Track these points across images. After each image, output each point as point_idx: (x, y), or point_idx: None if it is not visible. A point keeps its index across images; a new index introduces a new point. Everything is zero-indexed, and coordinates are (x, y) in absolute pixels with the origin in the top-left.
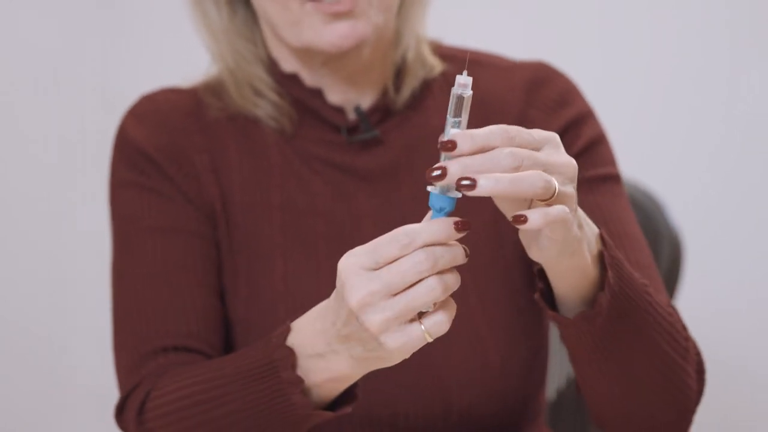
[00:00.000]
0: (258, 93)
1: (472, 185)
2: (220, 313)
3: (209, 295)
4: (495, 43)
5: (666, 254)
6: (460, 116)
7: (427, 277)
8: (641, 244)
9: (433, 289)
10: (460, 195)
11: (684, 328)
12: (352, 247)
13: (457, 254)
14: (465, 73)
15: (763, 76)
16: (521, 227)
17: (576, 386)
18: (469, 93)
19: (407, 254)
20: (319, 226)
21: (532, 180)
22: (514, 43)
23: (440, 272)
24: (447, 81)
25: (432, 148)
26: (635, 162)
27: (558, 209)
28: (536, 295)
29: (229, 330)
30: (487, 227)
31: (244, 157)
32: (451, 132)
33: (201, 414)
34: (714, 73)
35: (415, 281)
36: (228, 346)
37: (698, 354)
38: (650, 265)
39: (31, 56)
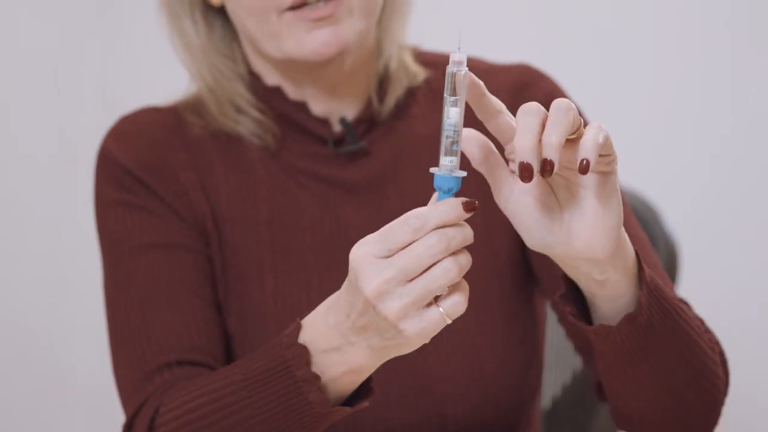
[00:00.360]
0: (239, 110)
1: (551, 164)
2: (220, 326)
3: (208, 308)
4: (491, 48)
5: (662, 262)
6: (457, 95)
7: (441, 260)
8: (646, 245)
9: (448, 271)
10: (465, 174)
11: (706, 326)
12: (340, 259)
13: (468, 234)
14: (459, 50)
15: (760, 82)
16: (590, 169)
17: (596, 390)
18: (464, 70)
19: (419, 238)
20: (306, 239)
21: (569, 114)
22: (509, 48)
23: (453, 253)
24: (430, 88)
25: (418, 157)
26: (629, 169)
27: (590, 128)
28: (570, 318)
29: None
30: (478, 233)
31: (230, 173)
32: (452, 109)
33: (214, 424)
34: (709, 80)
35: (430, 264)
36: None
37: (719, 344)
38: (657, 265)
39: (31, 57)
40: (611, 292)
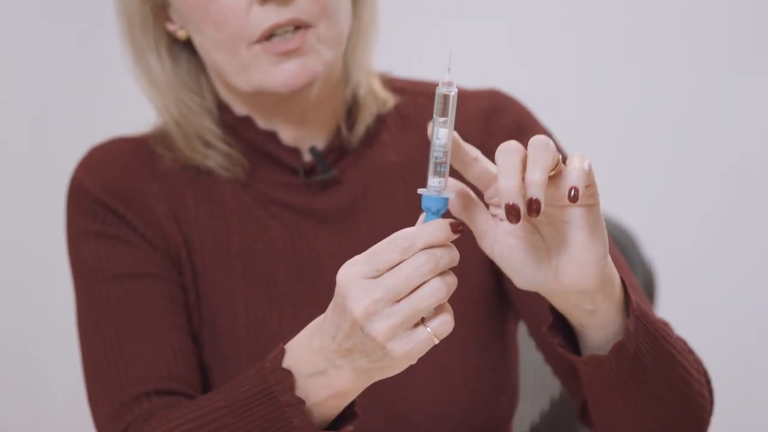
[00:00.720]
0: (207, 144)
1: (538, 203)
2: (197, 355)
3: (184, 337)
4: (465, 72)
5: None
6: (446, 115)
7: (429, 280)
8: (626, 269)
9: (437, 290)
10: (452, 195)
11: (689, 347)
12: (314, 290)
13: (455, 255)
14: (449, 71)
15: (737, 110)
16: (579, 198)
17: (579, 414)
18: (453, 92)
19: (407, 258)
20: (279, 270)
21: (548, 150)
22: (481, 74)
23: (440, 274)
24: (400, 114)
25: (389, 184)
26: (606, 195)
27: (574, 158)
28: (559, 349)
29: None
30: None
31: (201, 204)
32: (441, 130)
33: None
34: (686, 106)
35: (418, 285)
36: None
37: (702, 363)
38: (637, 288)
39: (15, 94)
40: (601, 320)
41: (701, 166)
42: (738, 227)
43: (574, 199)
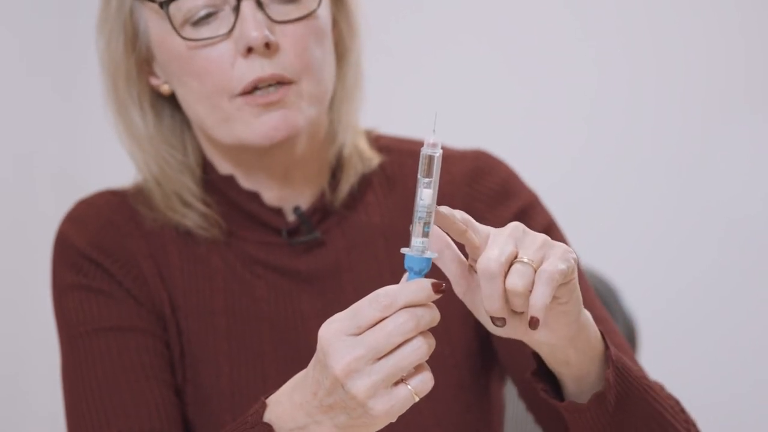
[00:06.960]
0: (185, 203)
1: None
2: (180, 409)
3: (167, 391)
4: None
5: None
6: (431, 176)
7: (411, 338)
8: (612, 326)
9: (418, 348)
10: (436, 255)
11: (681, 406)
12: (298, 350)
13: (435, 315)
14: (433, 132)
15: (717, 165)
16: (538, 326)
17: None
18: (438, 153)
19: (389, 316)
20: (263, 330)
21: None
22: (469, 132)
23: (421, 333)
24: (386, 175)
25: (374, 246)
26: (587, 247)
27: (539, 284)
28: (542, 394)
29: None
30: (436, 324)
31: (186, 262)
32: (425, 191)
33: None
34: (669, 162)
35: (399, 342)
36: None
37: (695, 425)
38: (621, 345)
39: None
40: (575, 372)
41: (688, 223)
42: (721, 279)
43: (533, 326)
